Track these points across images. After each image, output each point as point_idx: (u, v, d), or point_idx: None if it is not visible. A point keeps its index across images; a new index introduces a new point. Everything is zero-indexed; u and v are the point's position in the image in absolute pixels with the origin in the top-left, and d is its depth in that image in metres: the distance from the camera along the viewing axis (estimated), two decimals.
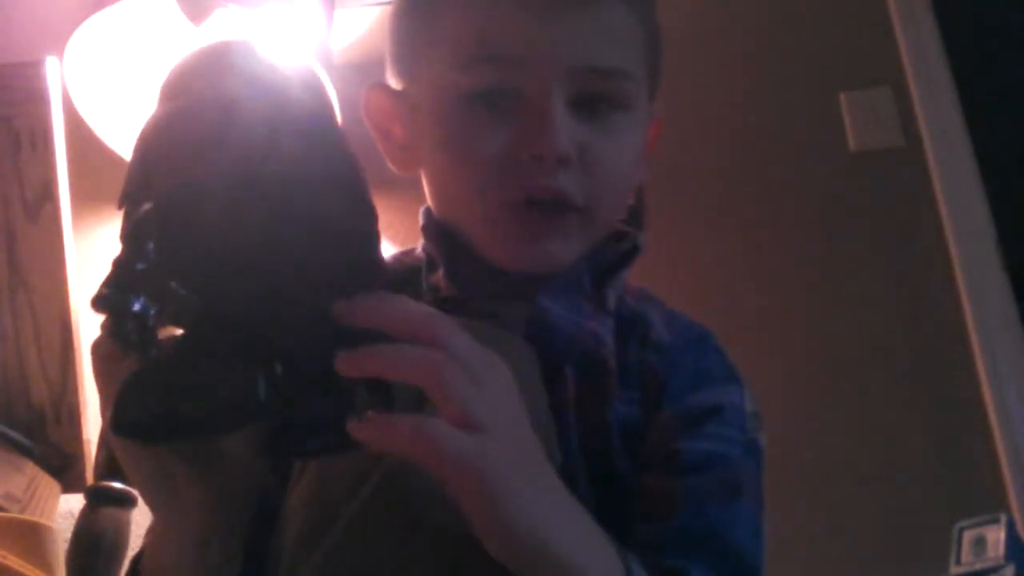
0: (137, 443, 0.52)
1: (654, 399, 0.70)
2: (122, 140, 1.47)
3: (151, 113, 0.52)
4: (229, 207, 0.47)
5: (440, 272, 0.74)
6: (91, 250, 1.58)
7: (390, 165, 0.79)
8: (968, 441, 1.62)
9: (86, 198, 1.57)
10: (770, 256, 1.77)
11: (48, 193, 1.45)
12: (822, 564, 1.56)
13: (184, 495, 0.55)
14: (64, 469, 1.33)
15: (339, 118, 0.52)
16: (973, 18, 2.05)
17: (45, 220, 1.44)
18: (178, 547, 0.57)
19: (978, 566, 1.24)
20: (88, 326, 1.43)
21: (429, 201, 0.77)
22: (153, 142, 0.50)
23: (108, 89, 1.43)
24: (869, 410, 1.66)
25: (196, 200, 0.47)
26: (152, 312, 0.47)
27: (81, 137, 1.47)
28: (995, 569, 1.22)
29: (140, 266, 0.48)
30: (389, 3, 1.77)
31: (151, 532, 0.63)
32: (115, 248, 0.50)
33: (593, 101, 0.71)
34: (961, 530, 1.30)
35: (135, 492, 1.21)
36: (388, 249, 0.60)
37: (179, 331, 0.50)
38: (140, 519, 1.24)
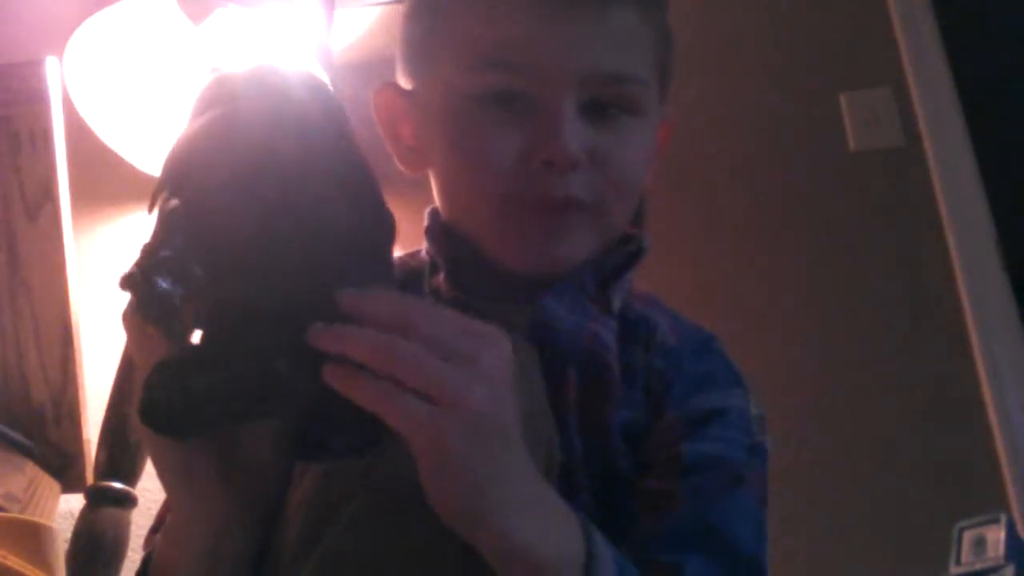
0: (162, 435, 0.53)
1: (657, 402, 0.70)
2: (122, 140, 1.47)
3: (185, 127, 0.56)
4: (246, 204, 0.50)
5: (442, 275, 0.74)
6: (91, 250, 1.58)
7: (398, 164, 0.79)
8: (968, 441, 1.62)
9: (86, 198, 1.57)
10: (770, 256, 1.77)
11: (48, 193, 1.45)
12: (822, 564, 1.56)
13: (205, 489, 0.56)
14: (64, 469, 1.33)
15: (353, 127, 0.55)
16: (973, 18, 2.05)
17: (45, 220, 1.44)
18: (192, 543, 0.58)
19: (978, 566, 1.24)
20: (88, 326, 1.44)
21: (437, 202, 0.77)
22: (186, 149, 0.54)
23: (108, 89, 1.43)
24: (869, 410, 1.66)
25: (219, 197, 0.51)
26: (177, 293, 0.49)
27: (81, 137, 1.46)
28: (995, 569, 1.22)
29: (165, 252, 0.50)
30: (389, 3, 1.77)
31: (162, 532, 0.63)
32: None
33: (604, 105, 0.71)
34: (961, 530, 1.30)
35: (135, 492, 1.22)
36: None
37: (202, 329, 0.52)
38: (140, 519, 1.24)
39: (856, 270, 1.76)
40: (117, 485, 1.18)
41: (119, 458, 1.20)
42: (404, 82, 0.78)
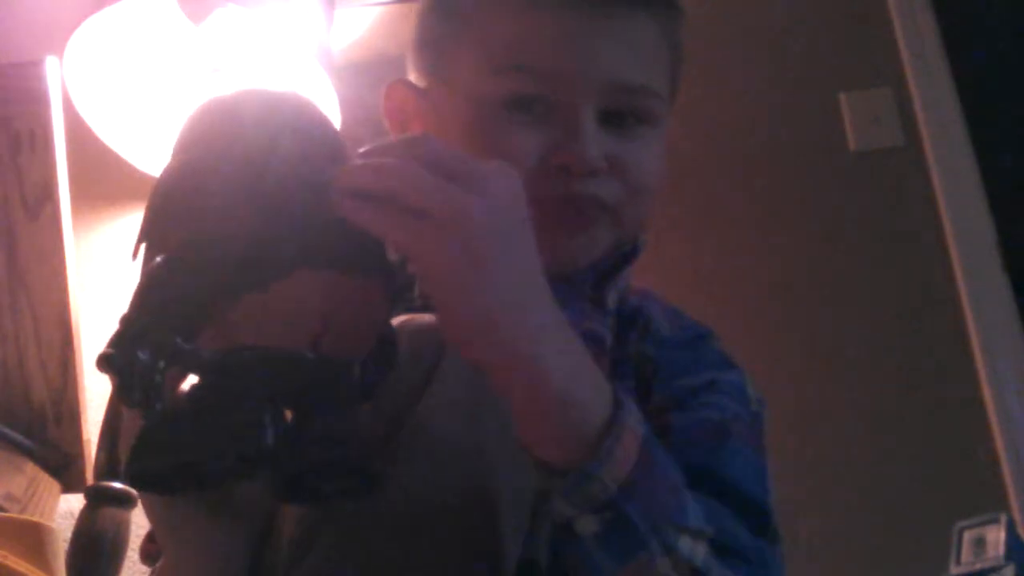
0: (151, 494, 0.53)
1: (647, 386, 0.70)
2: (122, 140, 1.47)
3: (165, 166, 0.54)
4: (231, 262, 0.49)
5: None
6: (91, 250, 1.57)
7: None
8: (968, 441, 1.62)
9: (86, 198, 1.57)
10: (770, 256, 1.77)
11: (48, 193, 1.45)
12: (822, 564, 1.56)
13: (197, 538, 0.56)
14: (64, 469, 1.33)
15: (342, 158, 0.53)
16: (973, 18, 2.05)
17: (45, 220, 1.44)
18: None
19: (978, 566, 1.24)
20: (88, 326, 1.43)
21: None
22: (164, 195, 0.52)
23: (108, 89, 1.43)
24: (869, 410, 1.66)
25: (201, 256, 0.49)
26: (159, 366, 0.48)
27: (81, 137, 1.46)
28: (995, 569, 1.22)
29: (144, 320, 0.49)
30: (389, 3, 1.78)
31: (157, 571, 0.63)
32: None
33: (621, 115, 0.72)
34: (961, 530, 1.30)
35: (135, 492, 1.22)
36: None
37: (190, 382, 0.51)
38: (140, 519, 1.24)
39: (856, 270, 1.76)
40: (117, 485, 1.18)
41: (119, 458, 1.20)
42: (417, 79, 0.78)
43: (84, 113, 1.43)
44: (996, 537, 1.25)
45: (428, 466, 0.59)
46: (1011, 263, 1.73)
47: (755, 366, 0.79)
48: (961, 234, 1.74)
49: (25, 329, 1.39)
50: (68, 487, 1.32)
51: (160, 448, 0.49)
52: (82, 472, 1.33)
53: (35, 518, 1.20)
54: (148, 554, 0.68)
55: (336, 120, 1.38)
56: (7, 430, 1.27)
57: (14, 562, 1.06)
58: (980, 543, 1.27)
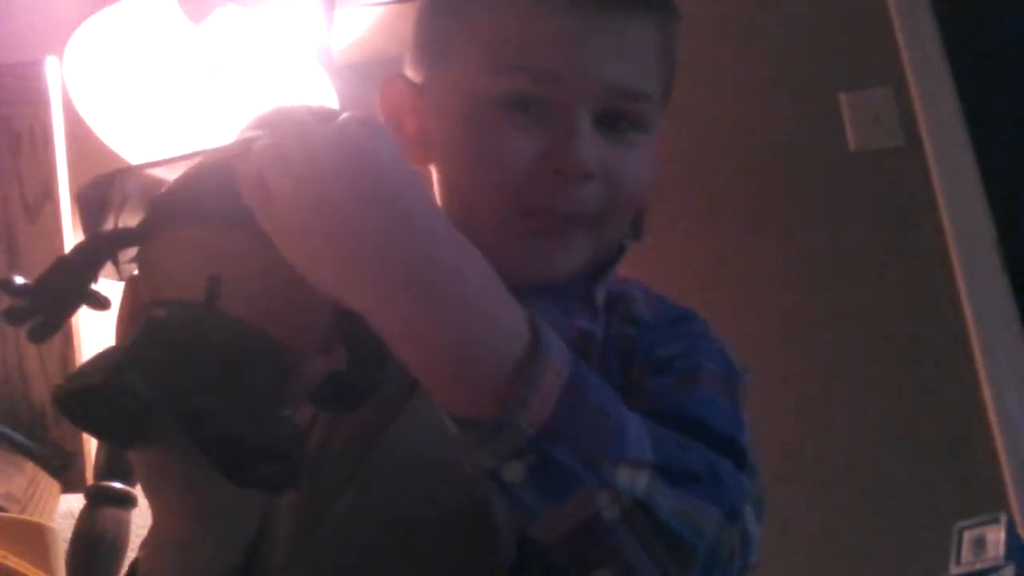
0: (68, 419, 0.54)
1: (629, 362, 0.69)
2: (122, 140, 1.47)
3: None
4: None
5: None
6: None
7: None
8: (968, 441, 1.62)
9: None
10: (770, 256, 1.77)
11: (48, 193, 1.45)
12: (822, 564, 1.56)
13: (174, 497, 0.56)
14: (64, 469, 1.32)
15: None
16: (973, 18, 2.05)
17: (45, 220, 1.44)
18: (164, 550, 0.58)
19: (978, 566, 1.24)
20: (88, 326, 1.43)
21: (437, 197, 0.77)
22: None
23: (108, 89, 1.43)
24: (869, 410, 1.67)
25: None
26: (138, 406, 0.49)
27: (81, 137, 1.46)
28: (995, 569, 1.22)
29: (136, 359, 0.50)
30: (389, 3, 1.77)
31: (142, 543, 0.64)
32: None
33: (615, 119, 0.72)
34: (961, 530, 1.30)
35: (135, 492, 1.22)
36: None
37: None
38: (140, 519, 1.24)
39: (856, 270, 1.76)
40: (117, 485, 1.18)
41: (119, 458, 1.20)
42: (413, 75, 0.78)
43: (84, 113, 1.43)
44: (996, 537, 1.25)
45: (413, 478, 0.59)
46: (1011, 263, 1.73)
47: (754, 366, 0.79)
48: (961, 234, 1.74)
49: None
50: (68, 487, 1.32)
51: (77, 378, 0.51)
52: (82, 472, 1.33)
53: (35, 518, 1.20)
54: None
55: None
56: (7, 430, 1.27)
57: (14, 562, 1.06)
58: (980, 543, 1.27)
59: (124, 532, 1.18)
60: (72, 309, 0.55)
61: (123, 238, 0.55)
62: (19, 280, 0.54)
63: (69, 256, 0.55)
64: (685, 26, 0.80)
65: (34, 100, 1.47)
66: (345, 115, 0.50)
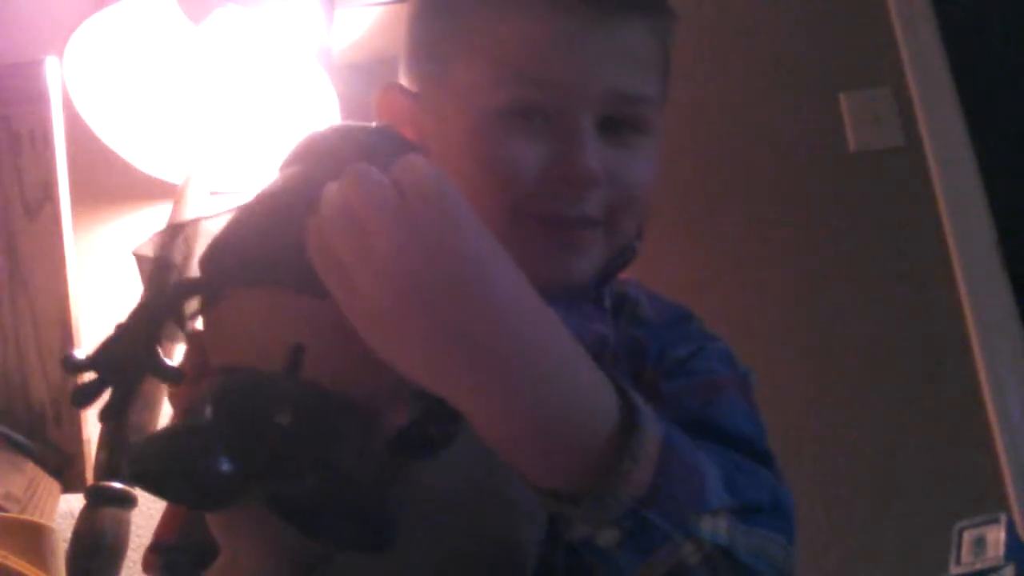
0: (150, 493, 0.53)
1: (638, 365, 0.70)
2: (122, 140, 1.47)
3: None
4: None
5: None
6: (91, 250, 1.58)
7: None
8: (968, 441, 1.62)
9: (86, 198, 1.57)
10: (770, 256, 1.77)
11: (48, 193, 1.45)
12: (822, 564, 1.56)
13: (254, 549, 0.54)
14: (64, 469, 1.33)
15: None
16: (973, 18, 2.05)
17: (45, 220, 1.44)
18: None
19: (978, 566, 1.24)
20: (88, 326, 1.43)
21: None
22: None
23: (108, 89, 1.43)
24: (869, 410, 1.66)
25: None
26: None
27: (81, 137, 1.46)
28: (995, 569, 1.22)
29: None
30: (389, 3, 1.77)
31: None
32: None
33: (618, 124, 0.72)
34: (961, 530, 1.30)
35: (135, 492, 1.22)
36: None
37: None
38: (140, 519, 1.24)
39: (856, 270, 1.76)
40: (117, 485, 1.18)
41: (119, 458, 1.20)
42: (408, 82, 0.78)
43: (84, 113, 1.43)
44: (996, 537, 1.25)
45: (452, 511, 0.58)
46: (1011, 263, 1.73)
47: (754, 366, 0.79)
48: (961, 234, 1.74)
49: (25, 329, 1.39)
50: (68, 487, 1.32)
51: (156, 453, 0.49)
52: (82, 472, 1.33)
53: (35, 518, 1.20)
54: (150, 564, 0.68)
55: (335, 120, 1.38)
56: (7, 430, 1.27)
57: (14, 562, 1.06)
58: (980, 543, 1.27)
59: (124, 532, 1.18)
60: (141, 379, 0.52)
61: (186, 294, 0.52)
62: (79, 355, 0.51)
63: (129, 321, 0.52)
64: (685, 27, 0.80)
65: (34, 100, 1.47)
66: (415, 175, 0.47)
